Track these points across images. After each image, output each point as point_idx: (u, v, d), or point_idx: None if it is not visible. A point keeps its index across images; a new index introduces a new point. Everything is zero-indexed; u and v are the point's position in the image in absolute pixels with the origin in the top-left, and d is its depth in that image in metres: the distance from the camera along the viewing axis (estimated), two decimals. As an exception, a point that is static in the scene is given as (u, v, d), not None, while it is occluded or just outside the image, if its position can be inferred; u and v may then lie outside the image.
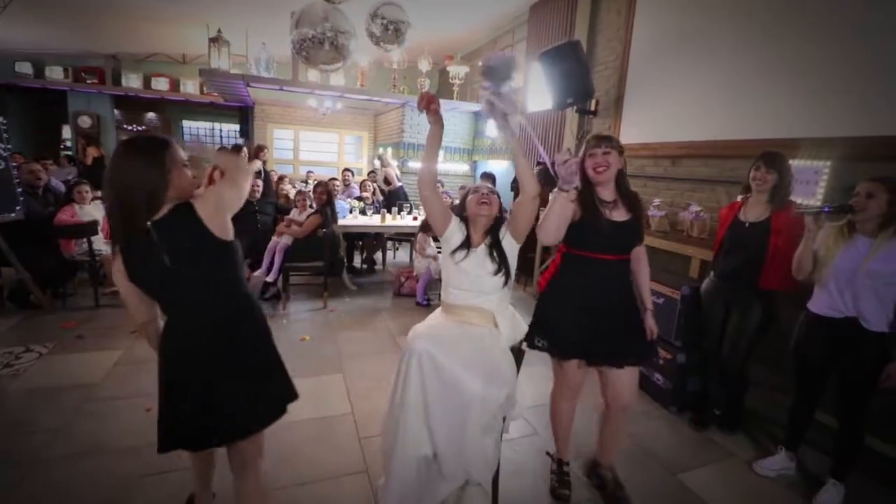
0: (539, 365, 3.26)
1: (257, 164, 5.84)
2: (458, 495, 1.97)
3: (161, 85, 8.76)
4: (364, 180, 6.42)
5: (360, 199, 5.73)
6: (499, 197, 1.85)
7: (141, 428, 2.30)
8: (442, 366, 1.53)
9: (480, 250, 1.74)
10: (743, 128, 3.37)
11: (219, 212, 1.32)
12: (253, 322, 1.44)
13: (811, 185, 2.85)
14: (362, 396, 2.73)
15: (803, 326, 2.14)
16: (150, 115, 11.13)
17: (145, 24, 6.66)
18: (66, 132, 9.51)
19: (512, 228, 1.78)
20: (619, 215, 1.75)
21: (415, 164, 7.79)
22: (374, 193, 6.04)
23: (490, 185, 1.88)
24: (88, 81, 8.60)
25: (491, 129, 7.38)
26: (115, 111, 9.59)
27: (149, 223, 1.24)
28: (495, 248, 1.74)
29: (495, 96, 1.60)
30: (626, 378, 1.82)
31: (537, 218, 1.79)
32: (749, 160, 2.54)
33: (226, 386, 1.34)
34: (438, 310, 1.81)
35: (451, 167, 7.99)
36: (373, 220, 5.11)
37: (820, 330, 2.06)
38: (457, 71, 7.24)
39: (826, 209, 1.95)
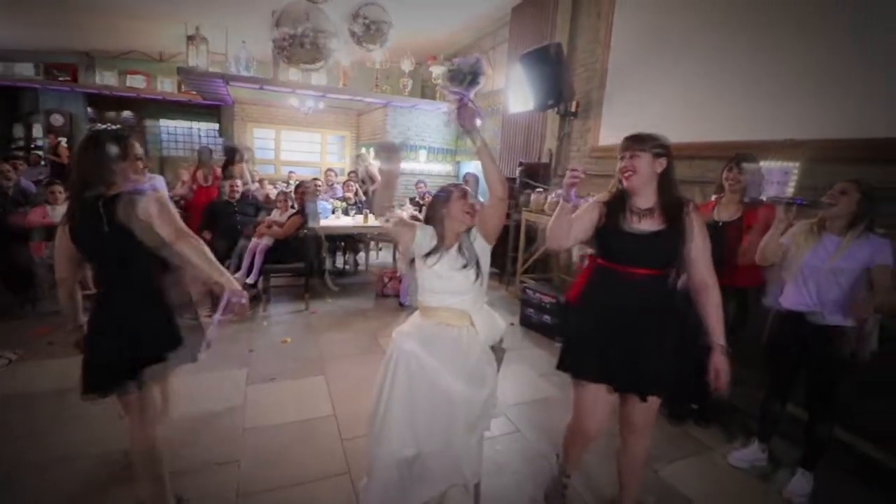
0: (520, 363, 3.32)
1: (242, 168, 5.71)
2: (441, 497, 1.99)
3: (137, 82, 8.57)
4: (347, 180, 6.39)
5: (342, 199, 5.69)
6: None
7: (114, 434, 2.25)
8: (427, 366, 1.54)
9: (453, 251, 1.74)
10: (718, 130, 3.47)
11: (150, 226, 1.54)
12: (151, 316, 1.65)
13: (780, 185, 2.95)
14: (345, 398, 2.72)
15: (776, 321, 2.22)
16: (126, 113, 10.84)
17: (120, 20, 6.50)
18: (38, 130, 9.22)
19: (482, 230, 1.77)
20: (650, 225, 1.54)
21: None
22: (356, 194, 6.01)
23: (472, 192, 1.85)
24: (60, 79, 8.35)
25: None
26: (89, 109, 9.33)
27: (100, 200, 1.52)
28: (465, 246, 1.74)
29: (461, 100, 1.61)
30: (652, 405, 1.63)
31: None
32: (724, 161, 2.61)
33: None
34: (417, 312, 1.81)
35: (434, 167, 8.00)
36: (355, 221, 5.09)
37: (790, 324, 2.13)
38: (439, 72, 7.26)
39: (798, 201, 2.02)
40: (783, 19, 3.06)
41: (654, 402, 1.62)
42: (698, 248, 1.54)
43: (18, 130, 9.28)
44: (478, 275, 1.72)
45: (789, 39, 3.01)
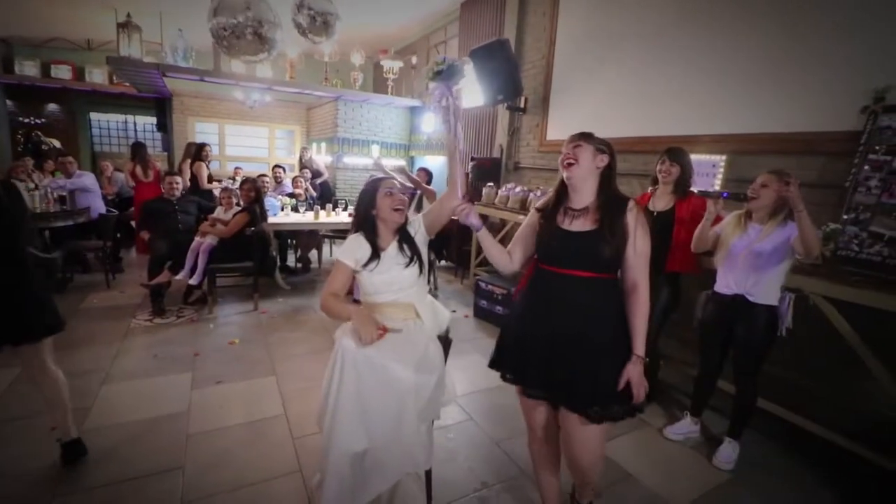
0: (473, 353, 3.38)
1: (203, 168, 5.52)
2: (393, 485, 2.00)
3: (62, 73, 7.95)
4: (297, 176, 6.23)
5: (292, 195, 5.55)
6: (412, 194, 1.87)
7: (46, 449, 2.12)
8: (374, 360, 1.54)
9: (391, 249, 1.73)
10: (653, 125, 3.66)
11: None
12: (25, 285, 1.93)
13: (709, 177, 3.16)
14: (296, 397, 2.68)
15: (709, 304, 2.40)
16: (52, 106, 10.04)
17: (41, 4, 6.01)
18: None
19: (428, 222, 1.78)
20: (582, 225, 1.48)
21: (350, 160, 7.67)
22: (307, 190, 5.88)
23: (398, 184, 1.81)
24: (-28, 68, 7.63)
25: (427, 124, 7.42)
26: (9, 102, 8.58)
27: None
28: (405, 242, 1.73)
29: (448, 96, 1.66)
30: (585, 433, 1.49)
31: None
32: (658, 154, 2.77)
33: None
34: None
35: (388, 163, 7.93)
36: (306, 218, 4.98)
37: (718, 306, 2.32)
38: (391, 65, 7.19)
39: (724, 194, 2.20)
40: (712, 21, 3.26)
41: (594, 426, 1.46)
42: (635, 250, 1.45)
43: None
44: (421, 268, 1.74)
45: (718, 40, 3.21)
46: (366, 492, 1.61)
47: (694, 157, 3.02)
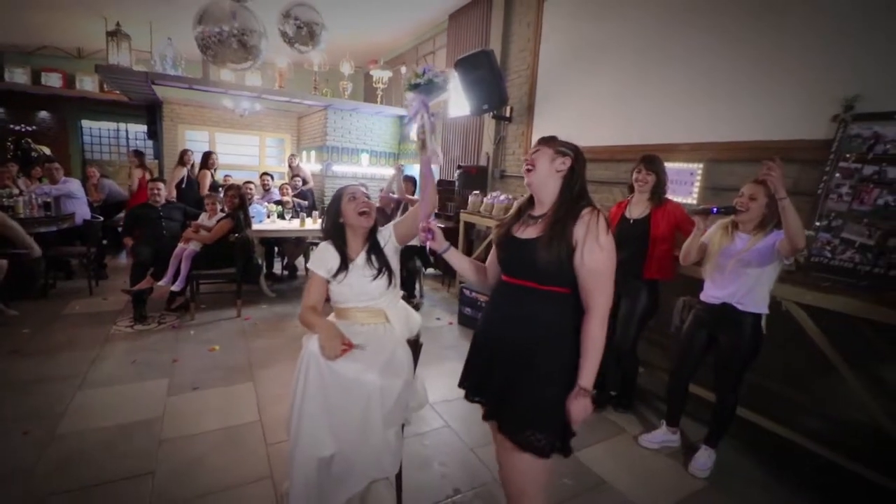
0: (455, 360, 3.38)
1: (182, 172, 5.68)
2: (364, 491, 1.99)
3: (53, 81, 7.96)
4: (284, 184, 6.24)
5: (279, 203, 5.56)
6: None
7: (16, 453, 2.11)
8: (337, 366, 1.54)
9: (360, 259, 1.72)
10: (636, 134, 3.71)
11: None
12: None
13: (687, 185, 3.20)
14: (272, 403, 2.66)
15: (685, 310, 2.42)
16: (43, 113, 10.02)
17: (31, 12, 6.03)
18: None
19: (399, 232, 1.77)
20: (532, 232, 1.37)
21: (339, 168, 7.69)
22: (294, 198, 5.89)
23: (364, 189, 1.81)
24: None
25: (415, 132, 7.46)
26: (0, 109, 8.57)
27: None
28: (374, 253, 1.73)
29: (423, 112, 1.66)
30: (513, 458, 1.36)
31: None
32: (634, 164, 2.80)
33: None
34: (332, 315, 1.81)
35: (377, 171, 7.98)
36: (291, 225, 4.98)
37: (702, 314, 2.32)
38: (380, 75, 7.25)
39: (714, 210, 2.16)
40: (691, 32, 3.32)
41: (530, 456, 1.31)
42: (582, 263, 1.27)
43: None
44: (391, 280, 1.74)
45: (697, 50, 3.27)
46: (334, 498, 1.60)
47: (672, 165, 3.08)
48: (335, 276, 1.71)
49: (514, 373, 1.35)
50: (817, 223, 2.46)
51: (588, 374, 1.28)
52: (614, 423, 2.68)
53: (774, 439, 2.41)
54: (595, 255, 1.26)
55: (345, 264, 1.71)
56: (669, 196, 2.68)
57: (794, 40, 2.73)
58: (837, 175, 2.45)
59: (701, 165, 3.17)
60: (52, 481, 1.95)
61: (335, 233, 1.76)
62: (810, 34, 2.67)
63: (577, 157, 1.40)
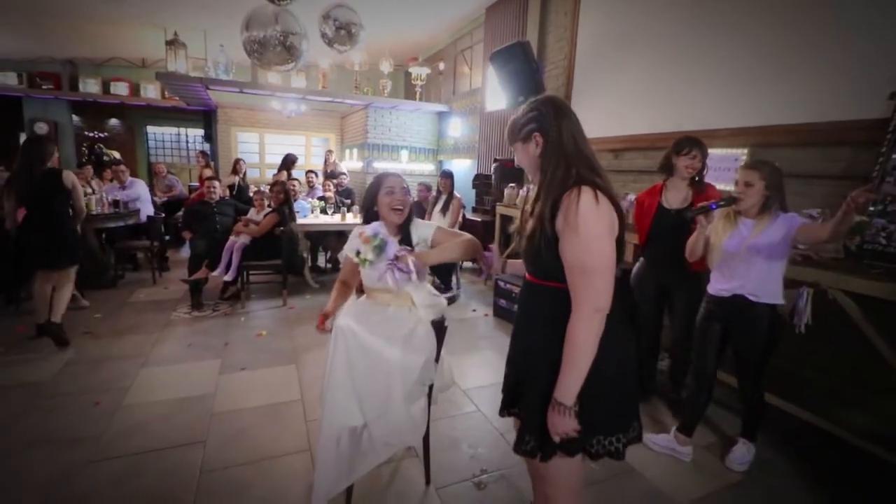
0: (490, 350, 3.42)
1: (234, 179, 6.09)
2: (395, 467, 2.09)
3: (120, 89, 8.63)
4: (325, 181, 6.51)
5: (322, 198, 5.80)
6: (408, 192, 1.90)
7: (88, 421, 2.36)
8: (364, 339, 1.63)
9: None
10: (672, 121, 3.60)
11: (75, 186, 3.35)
12: (68, 233, 3.35)
13: (730, 171, 3.08)
14: (313, 384, 2.82)
15: (705, 307, 2.26)
16: (113, 120, 10.94)
17: (100, 27, 6.59)
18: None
19: (436, 241, 1.84)
20: (531, 222, 1.25)
21: (380, 164, 7.89)
22: (337, 194, 6.12)
23: (403, 183, 1.85)
24: (44, 87, 8.41)
25: (454, 128, 7.54)
26: (75, 117, 9.40)
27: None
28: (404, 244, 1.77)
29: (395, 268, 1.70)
30: (539, 466, 1.28)
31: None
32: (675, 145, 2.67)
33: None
34: (363, 296, 1.90)
35: (416, 167, 8.11)
36: (333, 219, 5.19)
37: (715, 308, 2.19)
38: (419, 72, 7.38)
39: (713, 206, 2.06)
40: (731, 12, 3.19)
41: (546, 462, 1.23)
42: (562, 255, 1.13)
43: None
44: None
45: (737, 31, 3.13)
46: (359, 466, 1.70)
47: (714, 151, 2.97)
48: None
49: (519, 373, 1.32)
50: (871, 208, 2.31)
51: (566, 384, 1.11)
52: (650, 416, 2.64)
53: (817, 433, 2.30)
54: (572, 248, 1.10)
55: None
56: (710, 182, 2.58)
57: (846, 14, 2.57)
58: (895, 156, 2.29)
59: (745, 151, 3.04)
60: (118, 445, 2.18)
61: (369, 219, 1.85)
62: (862, 6, 2.50)
63: (550, 127, 1.18)
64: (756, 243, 1.99)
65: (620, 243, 1.18)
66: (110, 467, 2.02)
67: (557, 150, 1.18)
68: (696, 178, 2.50)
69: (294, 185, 5.44)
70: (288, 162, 6.78)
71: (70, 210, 3.35)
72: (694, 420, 2.28)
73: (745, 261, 2.03)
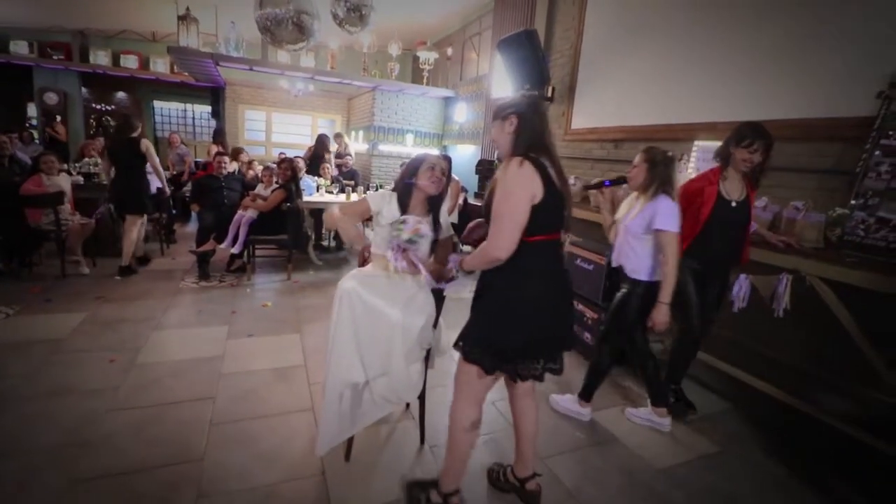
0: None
1: (232, 166, 6.17)
2: (392, 427, 2.24)
3: (130, 63, 8.68)
4: (324, 165, 6.60)
5: (319, 175, 5.90)
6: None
7: (105, 375, 2.51)
8: (368, 300, 1.77)
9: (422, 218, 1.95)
10: (675, 113, 3.69)
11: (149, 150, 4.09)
12: (138, 189, 4.19)
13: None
14: (316, 351, 2.96)
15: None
16: (120, 94, 10.96)
17: (112, -1, 6.64)
18: (32, 110, 9.33)
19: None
20: None
21: (385, 147, 7.97)
22: (340, 172, 6.23)
23: (444, 164, 1.97)
24: (55, 57, 8.46)
25: (460, 114, 7.60)
26: (83, 89, 9.46)
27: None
28: (433, 211, 1.99)
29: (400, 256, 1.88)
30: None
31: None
32: (679, 142, 2.76)
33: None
34: (369, 265, 2.04)
35: (421, 151, 8.17)
36: (338, 198, 5.29)
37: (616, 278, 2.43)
38: (427, 56, 7.42)
39: (606, 183, 2.26)
40: (735, 8, 3.26)
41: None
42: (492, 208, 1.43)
43: (32, 109, 9.28)
44: (431, 249, 1.99)
45: (741, 26, 3.21)
46: (360, 420, 1.85)
47: (711, 143, 3.07)
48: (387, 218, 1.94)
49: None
50: (853, 202, 2.43)
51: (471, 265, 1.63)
52: (633, 390, 2.79)
53: (791, 414, 2.45)
54: (496, 197, 1.40)
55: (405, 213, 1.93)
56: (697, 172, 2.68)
57: (837, 16, 2.66)
58: (878, 153, 2.40)
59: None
60: (133, 398, 2.34)
61: (403, 190, 1.96)
62: (854, 8, 2.59)
63: (524, 114, 1.45)
64: (630, 224, 2.20)
65: (550, 209, 1.43)
66: (129, 416, 2.18)
67: (524, 132, 1.45)
68: (758, 173, 2.31)
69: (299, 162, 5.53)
70: (322, 145, 6.48)
71: (148, 170, 4.23)
72: (658, 389, 2.44)
73: (622, 237, 2.27)
